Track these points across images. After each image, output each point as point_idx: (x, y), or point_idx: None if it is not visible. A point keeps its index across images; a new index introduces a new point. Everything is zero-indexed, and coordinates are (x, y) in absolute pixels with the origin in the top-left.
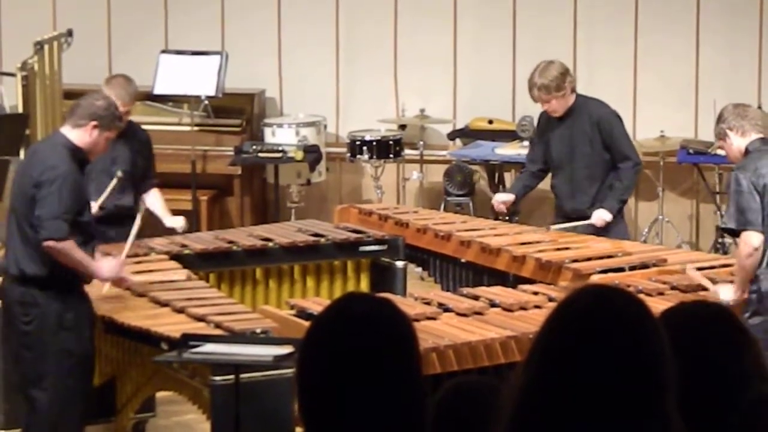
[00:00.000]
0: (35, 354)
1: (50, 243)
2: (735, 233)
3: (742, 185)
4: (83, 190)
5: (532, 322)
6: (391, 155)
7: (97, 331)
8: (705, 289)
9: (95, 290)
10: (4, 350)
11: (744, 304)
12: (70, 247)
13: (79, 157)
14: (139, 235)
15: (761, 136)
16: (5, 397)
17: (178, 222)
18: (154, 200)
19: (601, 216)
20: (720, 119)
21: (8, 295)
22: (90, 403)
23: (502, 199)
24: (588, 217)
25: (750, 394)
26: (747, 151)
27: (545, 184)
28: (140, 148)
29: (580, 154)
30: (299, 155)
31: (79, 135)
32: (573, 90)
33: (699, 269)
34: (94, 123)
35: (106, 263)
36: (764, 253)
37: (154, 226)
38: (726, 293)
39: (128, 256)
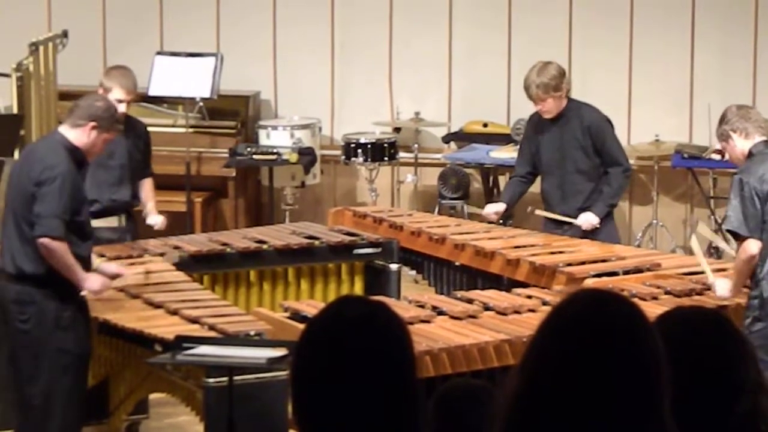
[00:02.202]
0: (32, 353)
1: (45, 240)
2: (737, 236)
3: (745, 190)
4: (81, 189)
5: (525, 325)
6: (386, 158)
7: (91, 332)
8: (704, 287)
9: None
10: None
11: (745, 309)
12: (63, 250)
13: (76, 156)
14: (137, 238)
15: (765, 138)
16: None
17: (157, 220)
18: (145, 191)
19: (588, 219)
20: (723, 120)
21: (4, 294)
22: (85, 403)
23: (493, 210)
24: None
25: (744, 402)
26: (750, 154)
27: (538, 187)
28: (137, 142)
29: (570, 158)
30: (294, 157)
31: (78, 135)
32: (567, 92)
33: (692, 273)
34: (93, 124)
35: (93, 276)
36: (765, 259)
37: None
38: (722, 289)
39: (122, 258)
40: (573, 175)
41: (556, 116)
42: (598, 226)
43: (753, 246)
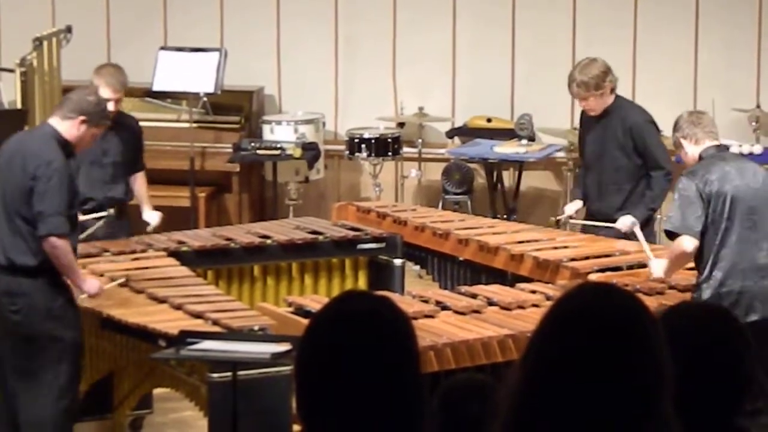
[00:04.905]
0: (25, 343)
1: (51, 239)
2: (672, 236)
3: (689, 190)
4: (74, 182)
5: (529, 320)
6: (390, 153)
7: (95, 327)
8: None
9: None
10: None
11: None
12: (67, 248)
13: (66, 149)
14: (131, 234)
15: (716, 143)
16: None
17: (154, 218)
18: (138, 186)
19: (626, 222)
20: (675, 128)
21: None
22: (78, 390)
23: (574, 210)
24: (613, 221)
25: (748, 398)
26: (701, 158)
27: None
28: (129, 138)
29: (609, 157)
30: (298, 153)
31: (67, 128)
32: (613, 90)
33: (694, 269)
34: (82, 118)
35: (91, 280)
36: (707, 263)
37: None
38: (657, 268)
39: (126, 253)
40: (610, 173)
41: (602, 113)
42: (635, 228)
43: (687, 243)
